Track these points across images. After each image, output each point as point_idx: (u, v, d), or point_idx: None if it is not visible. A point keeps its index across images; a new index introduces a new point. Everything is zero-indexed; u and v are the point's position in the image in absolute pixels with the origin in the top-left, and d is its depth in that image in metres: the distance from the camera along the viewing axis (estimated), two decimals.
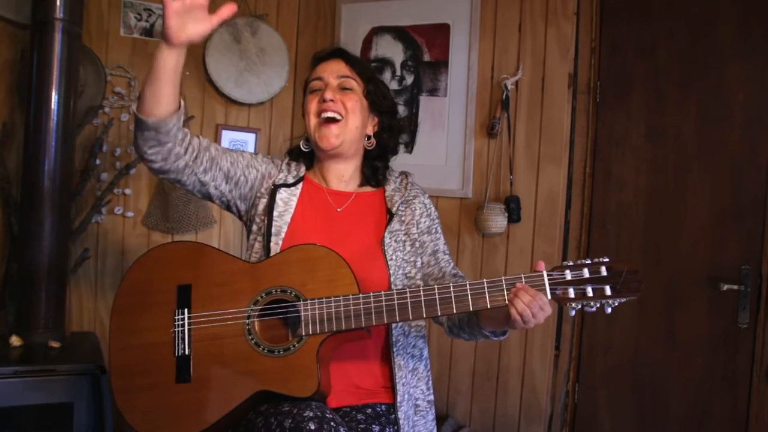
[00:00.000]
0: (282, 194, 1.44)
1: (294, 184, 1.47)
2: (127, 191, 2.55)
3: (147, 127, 1.27)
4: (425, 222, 1.47)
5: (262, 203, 1.44)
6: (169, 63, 1.23)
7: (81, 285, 2.52)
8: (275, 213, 1.41)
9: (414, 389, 1.41)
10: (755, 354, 2.02)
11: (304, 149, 1.50)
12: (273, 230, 1.39)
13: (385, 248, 1.38)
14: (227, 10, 1.22)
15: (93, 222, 2.51)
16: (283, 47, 2.71)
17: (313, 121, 1.44)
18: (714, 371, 2.10)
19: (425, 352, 1.45)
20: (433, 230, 1.48)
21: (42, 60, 2.10)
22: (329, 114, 1.41)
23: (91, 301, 2.54)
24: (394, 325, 1.37)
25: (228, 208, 1.49)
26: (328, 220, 1.44)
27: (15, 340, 2.06)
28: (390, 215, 1.43)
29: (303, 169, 1.51)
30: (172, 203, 2.55)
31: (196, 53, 2.64)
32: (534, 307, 1.17)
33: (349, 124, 1.43)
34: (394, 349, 1.37)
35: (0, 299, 2.31)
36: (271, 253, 1.36)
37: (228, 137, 2.70)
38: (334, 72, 1.45)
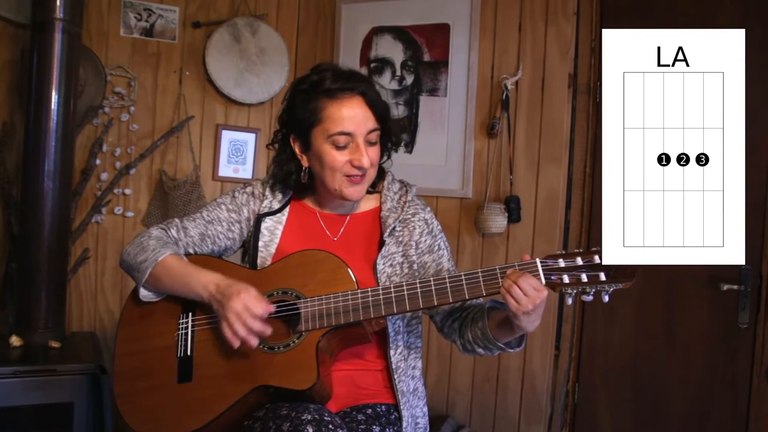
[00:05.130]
0: (267, 223, 1.41)
1: (280, 210, 1.43)
2: (127, 191, 2.56)
3: (135, 279, 1.35)
4: (426, 240, 1.42)
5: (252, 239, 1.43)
6: (193, 295, 1.31)
7: (81, 285, 2.52)
8: (260, 243, 1.39)
9: (415, 409, 1.41)
10: (755, 354, 2.02)
11: (303, 181, 1.41)
12: (258, 261, 1.38)
13: (378, 274, 1.35)
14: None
15: (93, 222, 2.51)
16: (283, 47, 2.71)
17: (339, 177, 1.34)
18: (714, 371, 2.10)
19: (421, 369, 1.45)
20: (435, 248, 1.43)
21: (42, 60, 2.10)
22: (359, 175, 1.35)
23: (91, 301, 2.54)
24: (392, 350, 1.36)
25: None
26: (321, 247, 1.38)
27: (15, 340, 2.06)
28: (382, 241, 1.38)
29: (290, 191, 1.45)
30: (172, 203, 2.55)
31: (197, 53, 2.64)
32: (522, 283, 1.16)
33: (371, 174, 1.38)
34: (396, 376, 1.36)
35: (0, 299, 2.31)
36: (266, 267, 1.36)
37: (228, 137, 2.70)
38: (362, 127, 1.32)
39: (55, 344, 2.08)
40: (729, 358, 2.07)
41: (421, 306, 1.25)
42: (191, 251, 1.41)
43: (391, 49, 2.60)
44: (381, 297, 1.24)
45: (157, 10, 2.59)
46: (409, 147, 2.55)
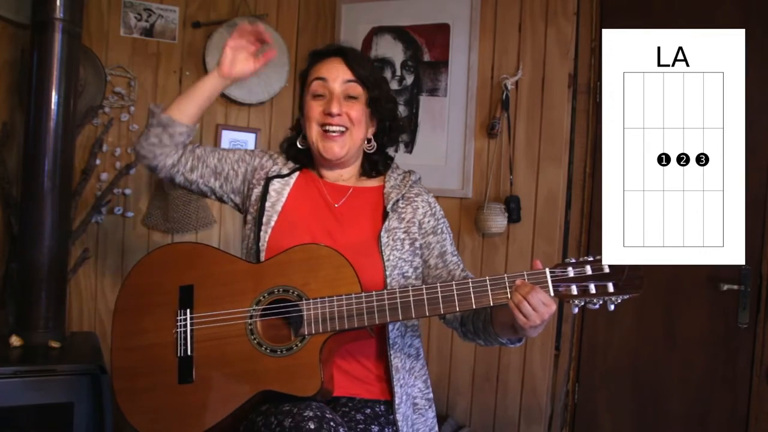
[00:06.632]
0: (275, 185, 1.44)
1: (288, 174, 1.46)
2: (127, 191, 2.55)
3: (158, 121, 1.40)
4: (430, 221, 1.43)
5: (255, 193, 1.45)
6: (207, 87, 1.44)
7: (81, 285, 2.51)
8: (267, 203, 1.41)
9: (411, 388, 1.40)
10: (755, 354, 2.02)
11: (300, 146, 1.48)
12: (264, 219, 1.39)
13: (382, 247, 1.36)
14: (271, 53, 1.44)
15: (93, 222, 2.51)
16: (283, 47, 2.71)
17: (315, 129, 1.41)
18: (714, 371, 2.10)
19: (421, 351, 1.45)
20: (439, 230, 1.44)
21: (42, 60, 2.10)
22: (334, 128, 1.39)
23: (91, 301, 2.54)
24: (391, 326, 1.36)
25: (223, 201, 1.53)
26: (322, 212, 1.42)
27: (15, 340, 2.05)
28: (386, 213, 1.40)
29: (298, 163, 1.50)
30: (172, 203, 2.55)
31: (197, 53, 2.64)
32: (532, 299, 1.15)
33: (354, 136, 1.41)
34: (391, 352, 1.36)
35: (0, 299, 2.31)
36: (261, 242, 1.36)
37: (228, 137, 2.70)
38: (339, 76, 1.40)
39: (55, 344, 2.08)
40: (729, 358, 2.07)
41: (427, 314, 1.23)
42: (198, 151, 1.48)
43: (391, 49, 2.60)
44: (386, 303, 1.23)
45: (157, 10, 2.59)
46: (409, 147, 2.55)
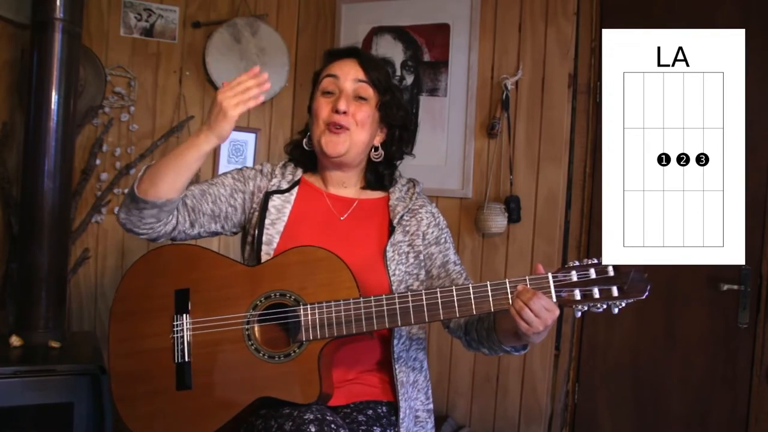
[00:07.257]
0: (275, 201, 1.41)
1: (288, 190, 1.43)
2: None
3: (153, 206, 1.28)
4: (433, 232, 1.42)
5: (256, 216, 1.42)
6: (202, 154, 1.27)
7: (81, 285, 2.51)
8: (267, 221, 1.38)
9: (414, 401, 1.39)
10: (755, 354, 2.02)
11: (306, 147, 1.45)
12: (264, 239, 1.36)
13: (388, 262, 1.34)
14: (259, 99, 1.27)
15: (93, 222, 2.51)
16: (283, 47, 2.71)
17: (320, 126, 1.38)
18: (714, 371, 2.10)
19: (425, 364, 1.44)
20: (442, 240, 1.43)
21: (42, 60, 2.10)
22: (337, 126, 1.36)
23: (91, 301, 2.54)
24: (396, 340, 1.35)
25: (228, 233, 1.48)
26: (327, 227, 1.40)
27: (15, 340, 2.06)
28: (392, 227, 1.39)
29: (300, 172, 1.47)
30: None
31: (197, 53, 2.64)
32: (534, 305, 1.13)
33: (355, 137, 1.37)
34: (396, 366, 1.35)
35: (0, 299, 2.31)
36: (263, 262, 1.34)
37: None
38: (351, 75, 1.38)
39: (55, 344, 2.08)
40: (729, 358, 2.07)
41: (427, 319, 1.22)
42: (188, 202, 1.37)
43: (391, 49, 2.60)
44: (385, 308, 1.21)
45: (157, 10, 2.59)
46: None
